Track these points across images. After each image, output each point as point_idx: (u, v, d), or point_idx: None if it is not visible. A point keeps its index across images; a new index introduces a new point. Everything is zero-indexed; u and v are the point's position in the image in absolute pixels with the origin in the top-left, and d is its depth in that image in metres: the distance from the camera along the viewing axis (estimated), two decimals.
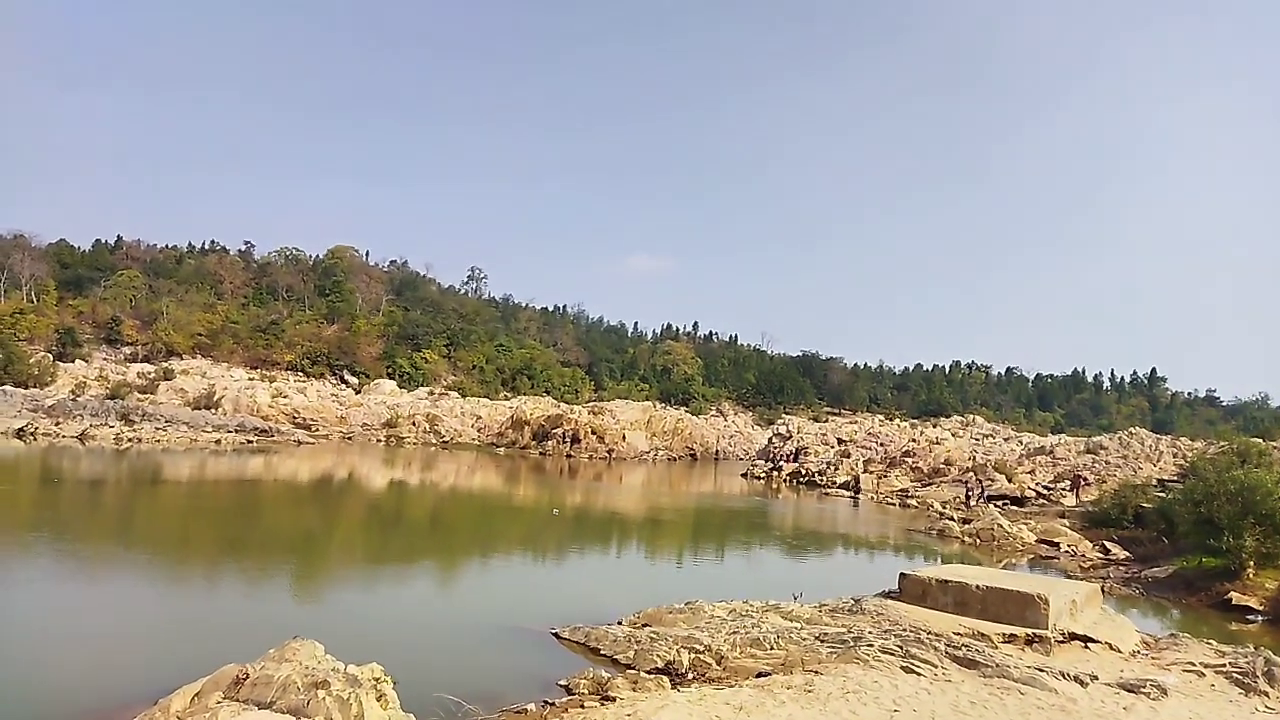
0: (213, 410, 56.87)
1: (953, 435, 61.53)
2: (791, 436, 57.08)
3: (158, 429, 46.23)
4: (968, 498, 35.53)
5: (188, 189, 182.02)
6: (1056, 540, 25.50)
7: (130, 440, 42.40)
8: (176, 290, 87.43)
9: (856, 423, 72.61)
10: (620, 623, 12.18)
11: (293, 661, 7.31)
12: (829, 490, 42.44)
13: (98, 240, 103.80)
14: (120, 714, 7.40)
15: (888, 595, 13.49)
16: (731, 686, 8.92)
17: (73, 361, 68.62)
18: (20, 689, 8.38)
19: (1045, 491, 37.09)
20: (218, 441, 46.07)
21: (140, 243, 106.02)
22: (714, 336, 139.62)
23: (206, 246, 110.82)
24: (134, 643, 10.28)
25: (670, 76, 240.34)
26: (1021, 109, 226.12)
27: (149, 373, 66.87)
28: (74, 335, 73.02)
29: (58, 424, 43.16)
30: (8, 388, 51.51)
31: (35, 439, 39.65)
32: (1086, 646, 11.45)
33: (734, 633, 11.01)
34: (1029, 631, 11.46)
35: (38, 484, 27.21)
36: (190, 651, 9.32)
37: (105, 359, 73.18)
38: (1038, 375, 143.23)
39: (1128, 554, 23.31)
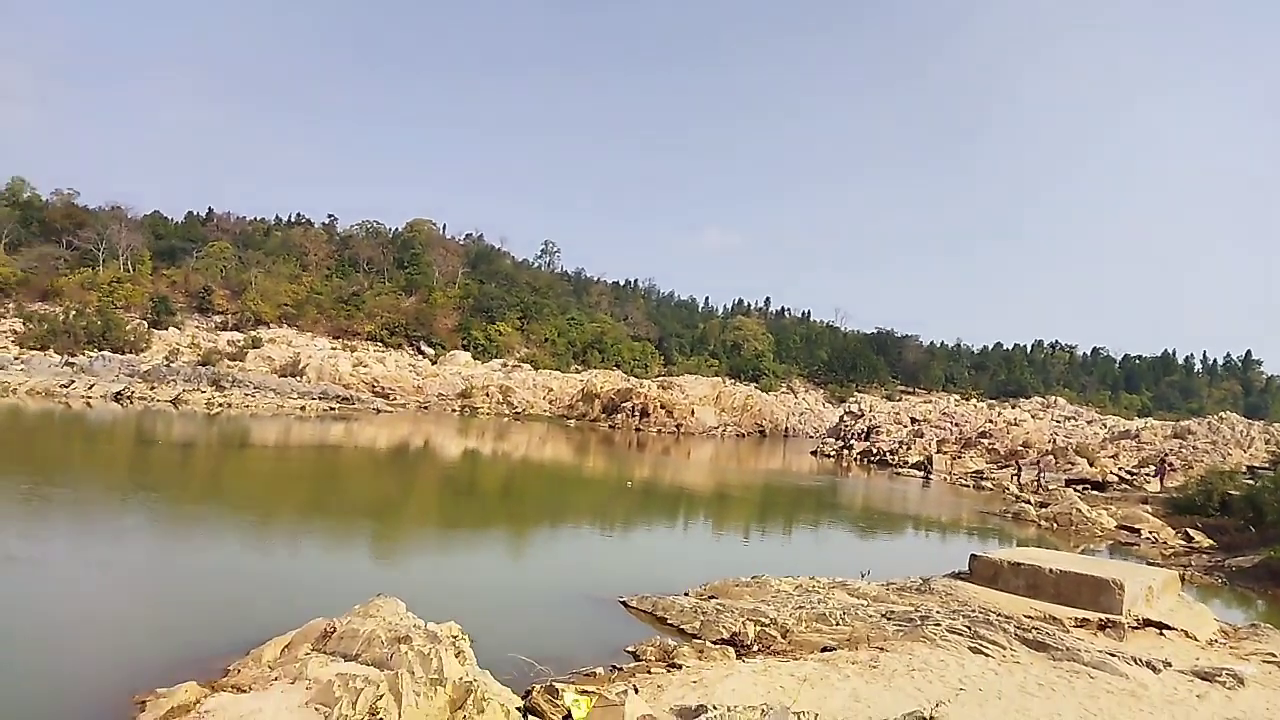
0: (297, 378, 59.06)
1: (1032, 417, 59.93)
2: (863, 415, 56.42)
3: (246, 395, 48.22)
4: (1036, 480, 34.79)
5: (275, 163, 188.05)
6: (1137, 526, 24.77)
7: (221, 405, 44.38)
8: (264, 261, 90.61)
9: (931, 402, 71.24)
10: (687, 594, 12.39)
11: (376, 617, 7.72)
12: (900, 470, 41.88)
13: (190, 212, 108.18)
14: (216, 662, 7.87)
15: (957, 576, 13.40)
16: (796, 659, 9.06)
17: (166, 329, 71.84)
18: (124, 638, 8.96)
19: (1128, 476, 35.95)
20: (302, 408, 47.88)
21: (230, 215, 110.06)
22: (786, 313, 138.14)
23: (292, 219, 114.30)
24: (227, 596, 10.88)
25: (745, 44, 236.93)
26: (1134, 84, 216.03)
27: (238, 341, 69.70)
28: (167, 304, 76.41)
29: (153, 388, 45.32)
30: (106, 353, 54.32)
31: (132, 402, 41.74)
32: (1161, 633, 11.22)
33: (800, 608, 11.12)
34: (1102, 616, 11.28)
35: (135, 446, 28.76)
36: (280, 606, 9.83)
37: (197, 327, 76.40)
38: (1125, 356, 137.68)
39: (1212, 542, 22.50)
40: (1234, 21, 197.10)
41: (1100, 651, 9.59)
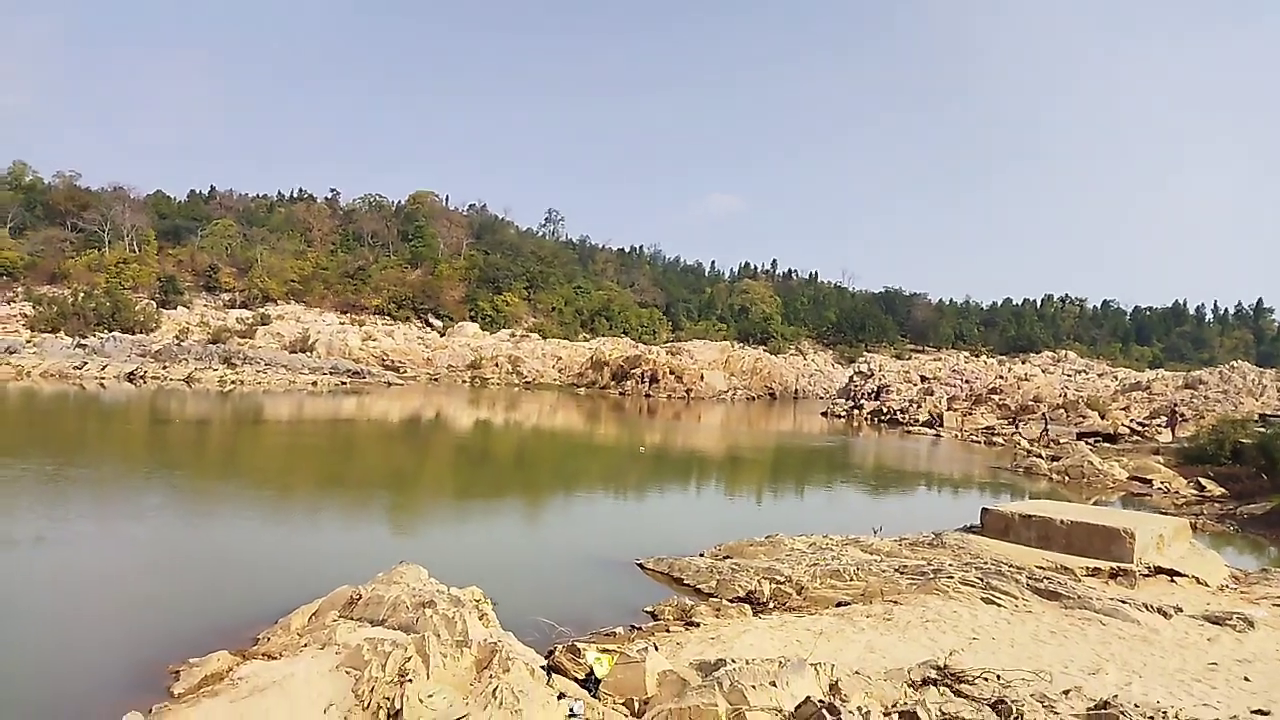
0: (308, 353, 59.39)
1: (1043, 371, 59.93)
2: (873, 374, 56.43)
3: (258, 371, 48.55)
4: (1043, 433, 34.94)
5: (276, 140, 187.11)
6: (1149, 477, 24.86)
7: (233, 383, 44.70)
8: (269, 238, 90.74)
9: (941, 360, 71.17)
10: (702, 555, 12.57)
11: (400, 584, 7.89)
12: (911, 429, 42.01)
13: (193, 191, 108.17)
14: (246, 630, 8.07)
15: (969, 530, 13.55)
16: (812, 615, 9.23)
17: (175, 308, 72.27)
18: (155, 611, 9.16)
19: (1140, 428, 35.99)
20: (314, 383, 48.20)
21: (233, 192, 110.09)
22: (793, 274, 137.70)
23: (295, 195, 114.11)
24: (252, 568, 11.10)
25: (747, 15, 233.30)
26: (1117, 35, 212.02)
27: (247, 318, 70.05)
28: (175, 283, 76.70)
29: (165, 368, 45.67)
30: (117, 334, 54.63)
31: (145, 382, 42.08)
32: (1173, 580, 11.36)
33: (814, 565, 11.29)
34: (1113, 565, 11.42)
35: (151, 424, 29.06)
36: (305, 576, 10.02)
37: (205, 305, 76.81)
38: (1135, 308, 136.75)
39: (1224, 491, 22.58)
40: None
41: (1111, 599, 9.73)
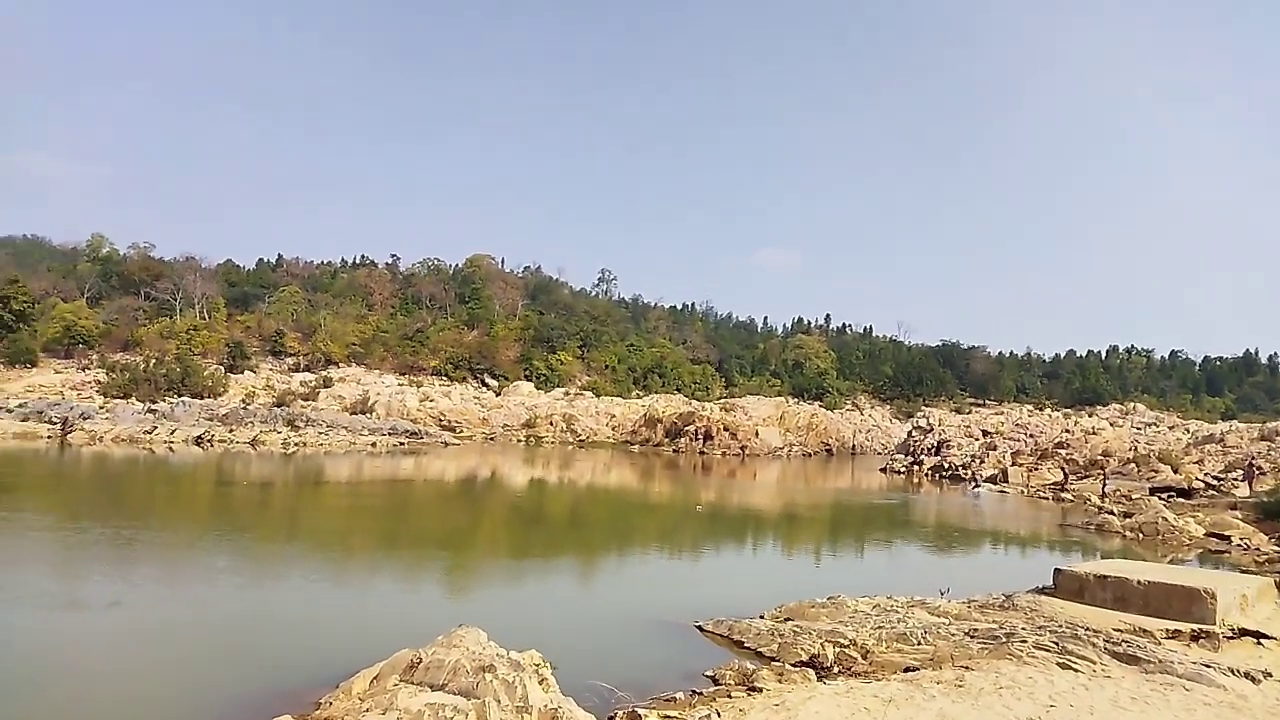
0: (367, 415, 60.53)
1: (1111, 425, 58.05)
2: (932, 429, 55.35)
3: (320, 433, 49.53)
4: (1101, 487, 33.90)
5: (341, 208, 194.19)
6: (1227, 533, 23.75)
7: (296, 445, 45.65)
8: (332, 303, 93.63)
9: (1003, 414, 69.52)
10: (762, 616, 12.30)
11: (460, 647, 7.86)
12: (974, 484, 40.88)
13: (260, 259, 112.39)
14: (307, 695, 8.10)
15: (1042, 591, 13.03)
16: (878, 680, 8.92)
17: (242, 373, 74.46)
18: (220, 674, 9.28)
19: (1215, 482, 34.51)
20: (373, 444, 48.96)
21: (298, 260, 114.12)
22: (847, 329, 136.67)
23: (357, 261, 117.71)
24: (313, 631, 11.19)
25: (796, 74, 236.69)
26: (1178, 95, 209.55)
27: (310, 381, 71.85)
28: (242, 348, 79.21)
29: (231, 431, 46.88)
30: (186, 399, 56.37)
31: (213, 445, 43.22)
32: (1259, 643, 10.74)
33: (879, 627, 10.96)
34: (1195, 627, 10.86)
35: (217, 487, 29.77)
36: (364, 638, 10.07)
37: (271, 369, 79.03)
38: (1205, 358, 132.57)
39: None
40: None
41: (1195, 663, 9.24)
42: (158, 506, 23.90)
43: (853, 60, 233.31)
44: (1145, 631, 10.77)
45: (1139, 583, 11.88)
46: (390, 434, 53.56)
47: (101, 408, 50.77)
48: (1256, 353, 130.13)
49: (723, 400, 76.13)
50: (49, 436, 42.10)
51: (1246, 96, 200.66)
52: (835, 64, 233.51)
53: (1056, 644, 9.73)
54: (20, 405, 47.98)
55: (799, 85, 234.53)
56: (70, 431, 42.90)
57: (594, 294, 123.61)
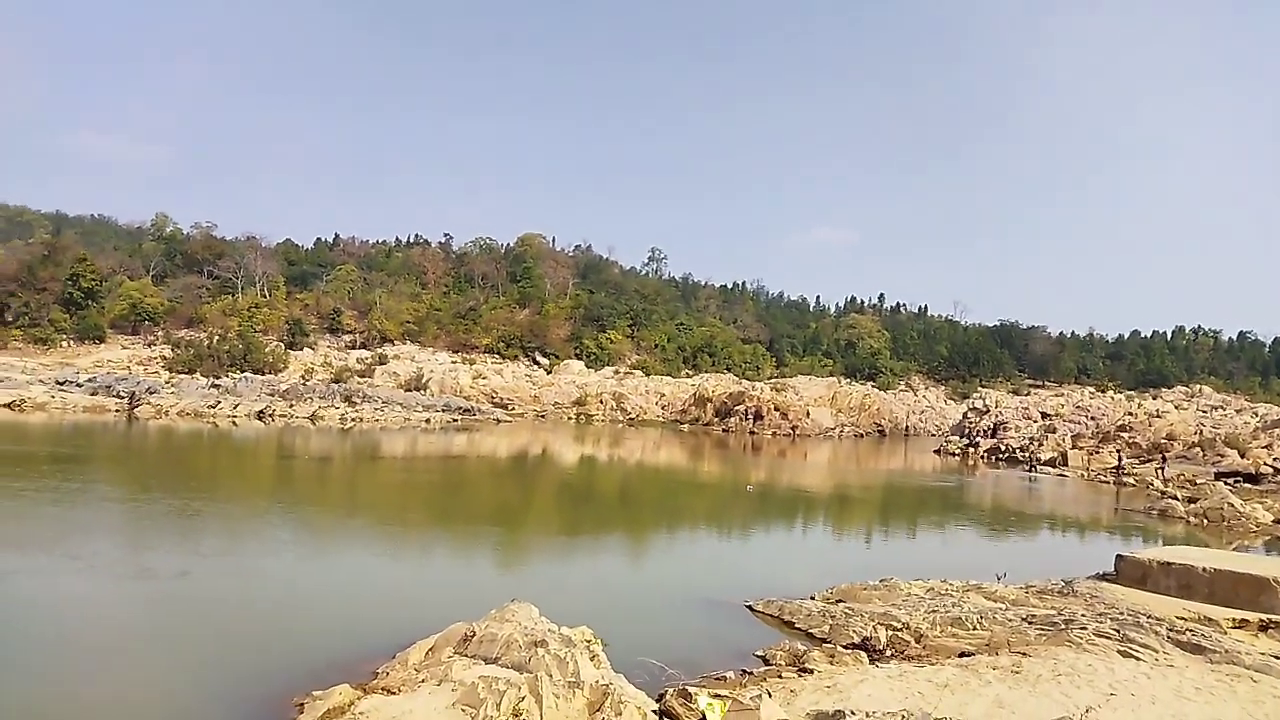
0: (422, 391, 61.47)
1: (1175, 407, 56.19)
2: (989, 411, 54.30)
3: (376, 409, 50.47)
4: (1159, 472, 33.21)
5: (396, 188, 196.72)
6: None
7: (353, 420, 46.62)
8: (387, 282, 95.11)
9: (1063, 395, 67.77)
10: (813, 598, 12.22)
11: (513, 622, 7.95)
12: (1033, 467, 40.03)
13: (318, 239, 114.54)
14: (364, 665, 8.26)
15: (1102, 578, 12.73)
16: (932, 664, 8.80)
17: (301, 350, 76.12)
18: (280, 643, 9.54)
19: None
20: (427, 421, 49.77)
21: (355, 239, 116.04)
22: (901, 308, 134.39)
23: (411, 240, 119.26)
24: (370, 602, 11.44)
25: (851, 49, 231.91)
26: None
27: (366, 358, 73.19)
28: (301, 326, 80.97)
29: (291, 406, 47.98)
30: (249, 374, 57.89)
31: (274, 420, 44.32)
32: None
33: (933, 611, 10.81)
34: (1263, 617, 10.51)
35: (278, 461, 30.55)
36: (420, 611, 10.24)
37: (329, 346, 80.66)
38: (1276, 339, 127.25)
39: None
40: None
41: (1263, 654, 8.95)
42: (222, 479, 24.62)
43: (904, 40, 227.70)
44: (1211, 620, 10.45)
45: (1204, 570, 11.52)
46: (444, 411, 54.35)
47: (167, 383, 52.40)
48: None
49: (773, 380, 75.64)
50: (117, 410, 43.59)
51: None
52: (885, 43, 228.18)
53: (1117, 631, 9.49)
54: (89, 380, 49.69)
55: (852, 60, 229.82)
56: (137, 405, 44.37)
57: (644, 273, 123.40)
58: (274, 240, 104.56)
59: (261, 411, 45.62)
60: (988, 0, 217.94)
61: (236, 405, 46.12)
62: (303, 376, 62.43)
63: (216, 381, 53.07)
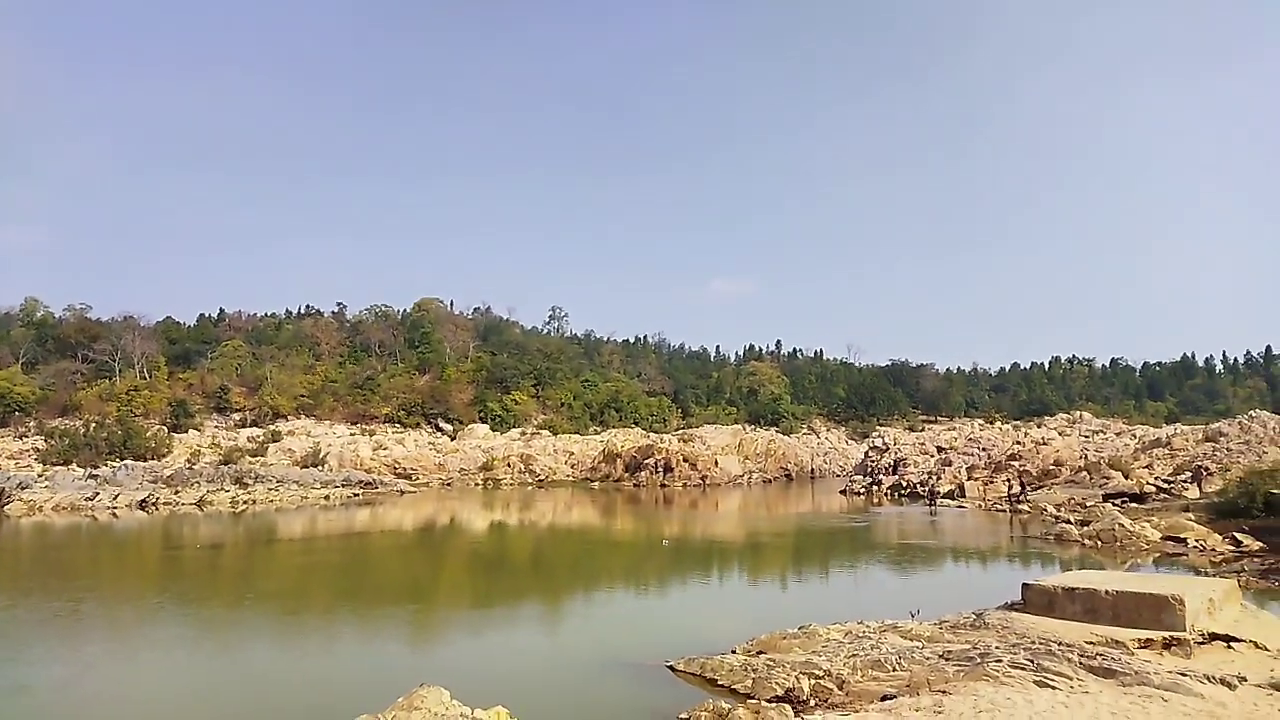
0: (319, 467, 59.09)
1: (1059, 434, 59.10)
2: (888, 449, 55.85)
3: (270, 489, 48.16)
4: (1008, 495, 35.96)
5: (280, 258, 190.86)
6: (1183, 536, 24.19)
7: (245, 503, 44.30)
8: (278, 355, 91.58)
9: (955, 429, 70.47)
10: (734, 651, 12.06)
11: (422, 709, 7.50)
12: (933, 501, 41.22)
13: (201, 314, 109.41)
14: None
15: (1011, 607, 13.00)
16: (857, 711, 8.74)
17: (186, 432, 72.21)
18: None
19: (1166, 486, 35.28)
20: (326, 497, 47.72)
21: (241, 313, 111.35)
22: (798, 353, 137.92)
23: (303, 311, 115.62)
24: (263, 700, 10.70)
25: (738, 104, 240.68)
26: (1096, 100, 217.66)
27: (258, 436, 69.99)
28: (186, 407, 76.93)
29: (176, 492, 45.34)
30: (129, 462, 54.50)
31: (157, 509, 41.71)
32: (1230, 647, 10.80)
33: (853, 655, 10.79)
34: (1166, 635, 10.88)
35: (163, 552, 28.66)
36: (322, 704, 9.65)
37: (216, 426, 76.77)
38: (1145, 364, 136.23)
39: (1261, 544, 22.03)
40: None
41: (1170, 672, 9.23)
42: (104, 576, 22.88)
43: (793, 79, 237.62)
44: (1118, 643, 10.76)
45: (1107, 593, 11.90)
46: (344, 485, 52.32)
47: (40, 476, 48.70)
48: (1194, 356, 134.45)
49: (680, 431, 76.03)
50: None
51: (1176, 87, 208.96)
52: (775, 81, 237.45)
53: (1031, 661, 9.66)
54: None
55: (742, 107, 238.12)
56: (8, 502, 41.04)
57: (546, 331, 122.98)
58: (153, 319, 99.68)
59: (144, 500, 42.92)
60: (874, 49, 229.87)
61: (117, 495, 43.26)
62: (188, 460, 59.14)
63: (94, 472, 49.70)
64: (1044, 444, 48.29)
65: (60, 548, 29.41)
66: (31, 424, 69.05)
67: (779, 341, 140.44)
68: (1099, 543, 24.62)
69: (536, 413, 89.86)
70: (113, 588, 20.85)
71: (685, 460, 62.15)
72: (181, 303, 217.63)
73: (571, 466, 68.81)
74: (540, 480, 65.23)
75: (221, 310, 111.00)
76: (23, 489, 43.36)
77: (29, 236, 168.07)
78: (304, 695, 10.89)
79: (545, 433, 79.33)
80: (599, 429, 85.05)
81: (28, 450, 61.62)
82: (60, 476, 48.23)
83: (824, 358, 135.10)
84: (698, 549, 27.96)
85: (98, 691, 10.98)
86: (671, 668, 11.53)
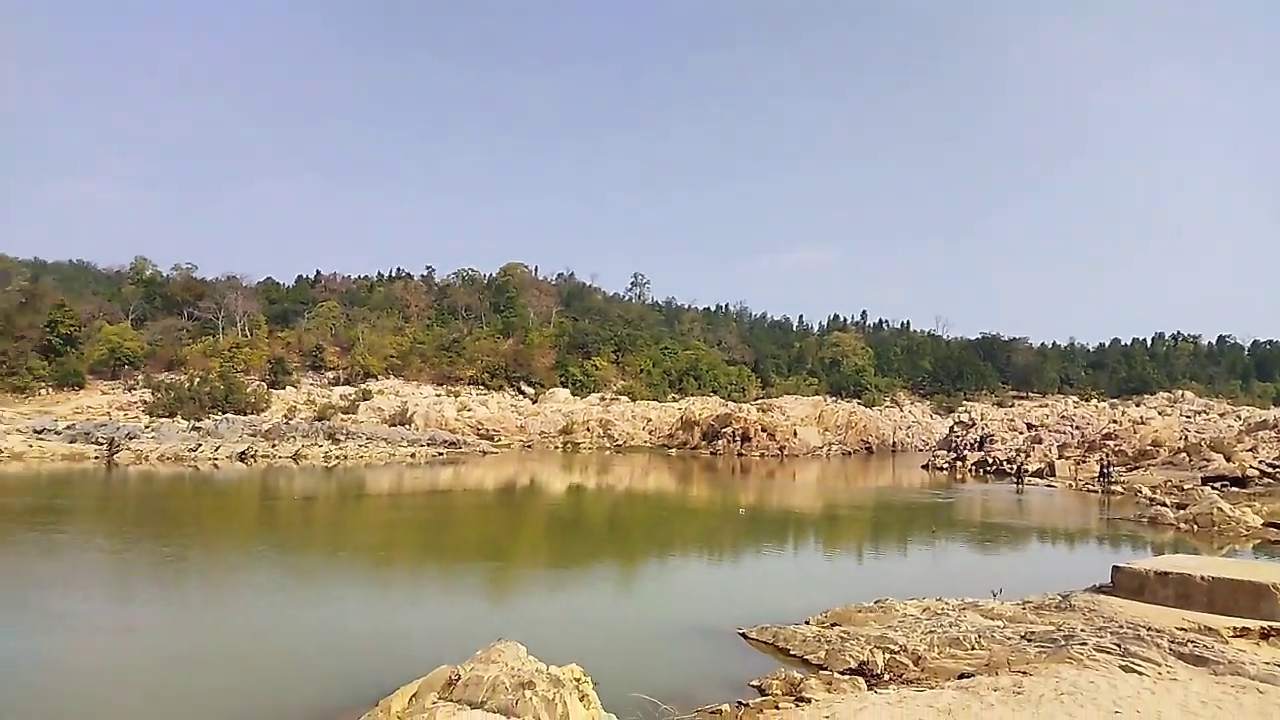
0: (406, 426, 60.99)
1: (1159, 414, 56.53)
2: (975, 424, 54.46)
3: (360, 446, 49.99)
4: (1100, 474, 35.02)
5: (378, 221, 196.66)
6: None
7: (337, 458, 46.11)
8: (369, 316, 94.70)
9: (1047, 406, 68.20)
10: (808, 622, 12.00)
11: (499, 663, 7.68)
12: (1020, 479, 40.01)
13: (299, 276, 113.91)
14: (346, 715, 7.98)
15: (1099, 590, 12.56)
16: (932, 688, 8.59)
17: (283, 388, 75.37)
18: (259, 693, 9.23)
19: (1271, 470, 33.35)
20: (412, 455, 49.30)
21: (336, 275, 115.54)
22: (884, 325, 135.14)
23: (393, 274, 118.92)
24: (353, 648, 11.11)
25: (833, 66, 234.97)
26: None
27: (349, 394, 72.57)
28: (283, 364, 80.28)
29: (274, 446, 47.50)
30: (230, 415, 57.23)
31: (256, 461, 43.77)
32: None
33: (930, 632, 10.60)
34: (1264, 625, 10.35)
35: (260, 503, 30.06)
36: (403, 654, 9.97)
37: (311, 384, 79.92)
38: (1254, 343, 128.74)
39: None
40: None
41: (1267, 664, 8.79)
42: (204, 524, 24.13)
43: (882, 53, 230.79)
44: (1211, 630, 10.29)
45: (1202, 579, 11.38)
46: (429, 444, 53.91)
47: (147, 427, 51.65)
48: None
49: (759, 401, 75.57)
50: (96, 457, 42.86)
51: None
52: (862, 57, 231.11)
53: (1118, 645, 9.31)
54: (68, 427, 48.97)
55: (828, 79, 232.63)
56: (117, 451, 43.67)
57: (627, 298, 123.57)
58: (255, 279, 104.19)
59: (244, 453, 45.06)
60: (961, 12, 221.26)
61: (218, 447, 45.52)
62: (285, 416, 61.78)
63: (197, 424, 52.40)
64: (1142, 423, 46.25)
65: (166, 496, 31.13)
66: (140, 377, 73.07)
67: (864, 312, 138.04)
68: (1195, 527, 23.51)
69: (616, 378, 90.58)
70: (216, 536, 21.99)
71: (763, 430, 61.79)
72: (281, 265, 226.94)
73: (649, 433, 69.24)
74: (618, 445, 65.88)
75: (318, 272, 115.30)
76: (130, 439, 46.03)
77: (136, 198, 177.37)
78: (390, 643, 11.29)
79: (624, 398, 79.96)
80: (677, 396, 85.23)
81: (136, 403, 65.30)
82: (165, 428, 51.01)
83: (910, 330, 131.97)
84: (773, 519, 27.83)
85: (194, 636, 11.61)
86: (744, 635, 11.54)
